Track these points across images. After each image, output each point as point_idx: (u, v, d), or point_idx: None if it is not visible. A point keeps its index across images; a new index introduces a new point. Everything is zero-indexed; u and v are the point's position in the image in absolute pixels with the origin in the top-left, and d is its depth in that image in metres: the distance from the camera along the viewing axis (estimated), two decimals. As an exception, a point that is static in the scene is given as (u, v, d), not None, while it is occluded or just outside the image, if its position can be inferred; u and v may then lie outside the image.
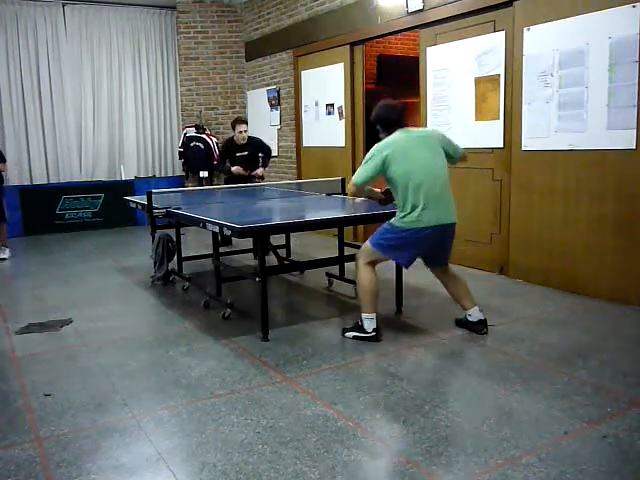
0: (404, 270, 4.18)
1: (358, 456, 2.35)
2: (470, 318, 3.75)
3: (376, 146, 3.57)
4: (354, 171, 6.91)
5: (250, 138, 6.68)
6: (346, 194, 5.48)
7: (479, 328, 3.72)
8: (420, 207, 3.42)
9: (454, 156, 3.68)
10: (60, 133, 8.82)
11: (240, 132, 6.56)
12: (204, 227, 3.89)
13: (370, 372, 3.19)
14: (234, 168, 6.53)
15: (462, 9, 5.29)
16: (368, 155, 3.57)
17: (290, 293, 5.08)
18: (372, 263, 3.63)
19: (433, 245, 3.58)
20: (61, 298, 4.88)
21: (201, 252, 5.69)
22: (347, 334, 3.71)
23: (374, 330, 3.62)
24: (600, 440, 2.42)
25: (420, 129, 3.83)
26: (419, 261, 3.71)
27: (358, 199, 4.45)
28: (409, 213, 3.45)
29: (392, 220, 3.57)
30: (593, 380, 3.01)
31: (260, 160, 6.72)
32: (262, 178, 6.74)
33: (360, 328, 3.66)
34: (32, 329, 4.07)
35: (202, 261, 5.49)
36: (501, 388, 2.95)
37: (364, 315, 3.64)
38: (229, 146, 6.72)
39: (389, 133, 3.60)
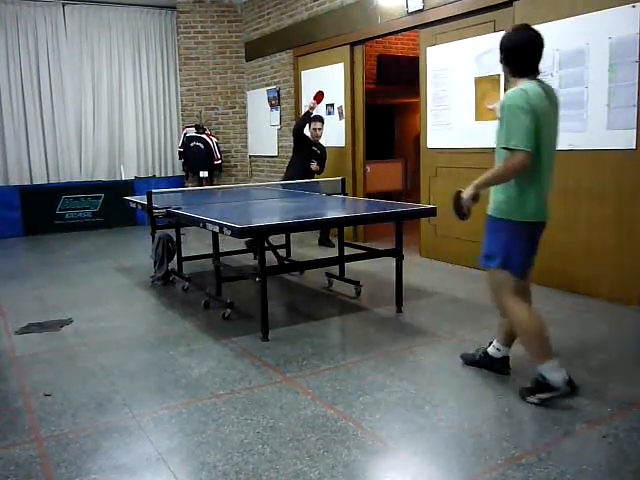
0: (404, 270, 4.19)
1: (358, 456, 2.35)
2: (498, 354, 3.05)
3: (515, 96, 2.58)
4: (354, 171, 7.07)
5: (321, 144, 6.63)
6: (346, 194, 5.49)
7: (504, 367, 3.07)
8: (543, 194, 2.69)
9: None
10: (60, 133, 8.83)
11: (314, 129, 6.52)
12: (204, 227, 3.89)
13: (370, 372, 3.19)
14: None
15: (462, 9, 5.29)
16: (510, 110, 2.57)
17: (290, 293, 5.08)
18: (518, 292, 2.75)
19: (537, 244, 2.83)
20: (61, 298, 4.88)
21: (201, 252, 5.69)
22: (531, 399, 2.73)
23: (564, 380, 2.68)
24: (600, 440, 2.42)
25: (548, 84, 2.78)
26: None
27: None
28: (532, 200, 2.65)
29: (506, 216, 2.69)
30: (593, 380, 3.01)
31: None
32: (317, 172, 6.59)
33: (545, 386, 2.69)
34: (32, 329, 4.07)
35: (202, 261, 5.49)
36: (501, 388, 2.95)
37: (544, 365, 2.69)
38: (306, 137, 6.59)
39: (521, 76, 2.68)
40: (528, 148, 2.51)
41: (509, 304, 2.76)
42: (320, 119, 6.64)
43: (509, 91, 2.66)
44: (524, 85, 2.63)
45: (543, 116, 2.59)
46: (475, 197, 2.69)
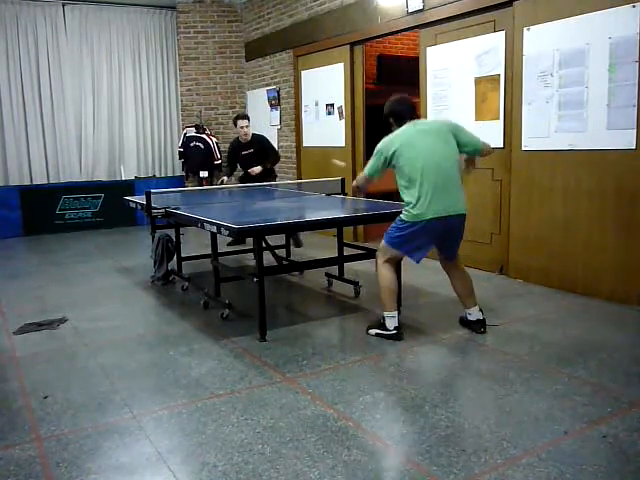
0: (403, 270, 4.19)
1: (358, 456, 2.35)
2: (470, 317, 3.77)
3: (384, 140, 3.60)
4: (354, 171, 7.07)
5: (255, 136, 6.54)
6: (346, 194, 5.50)
7: (477, 327, 3.75)
8: (426, 198, 3.44)
9: (469, 146, 3.66)
10: (60, 133, 8.82)
11: (242, 127, 6.46)
12: (202, 227, 3.88)
13: (370, 372, 3.19)
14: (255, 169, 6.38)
15: (462, 9, 5.29)
16: (377, 148, 3.62)
17: (290, 293, 5.08)
18: (390, 261, 3.67)
19: (441, 236, 3.59)
20: (61, 298, 4.88)
21: (201, 252, 5.69)
22: (370, 331, 3.75)
23: (395, 328, 3.64)
24: (600, 440, 2.42)
25: (430, 120, 3.82)
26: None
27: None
28: (415, 205, 3.46)
29: (401, 215, 3.59)
30: (593, 380, 3.00)
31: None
32: (259, 175, 6.40)
33: (382, 326, 3.68)
34: (28, 328, 4.07)
35: (202, 261, 5.49)
36: (501, 388, 2.95)
37: (385, 313, 3.67)
38: (235, 145, 6.62)
39: (400, 125, 3.65)
40: (368, 174, 3.71)
41: (379, 265, 3.67)
42: (245, 116, 6.61)
43: (387, 137, 3.62)
44: (393, 134, 3.60)
45: (410, 144, 3.50)
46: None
